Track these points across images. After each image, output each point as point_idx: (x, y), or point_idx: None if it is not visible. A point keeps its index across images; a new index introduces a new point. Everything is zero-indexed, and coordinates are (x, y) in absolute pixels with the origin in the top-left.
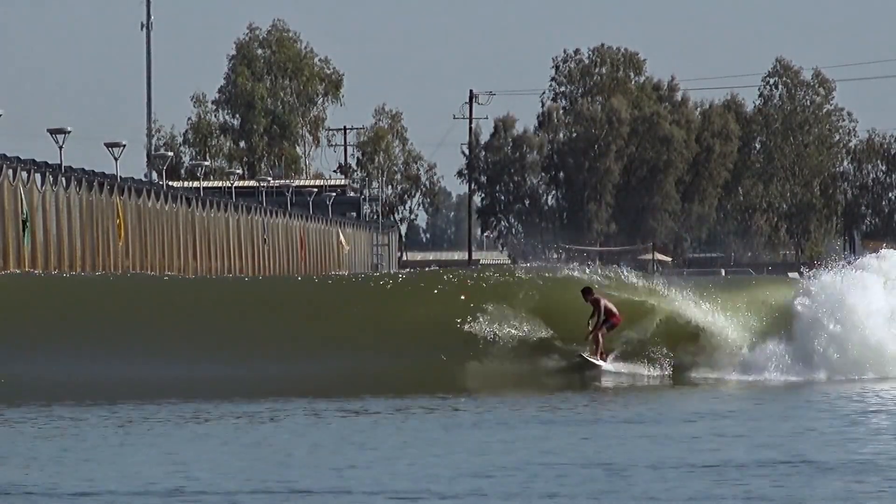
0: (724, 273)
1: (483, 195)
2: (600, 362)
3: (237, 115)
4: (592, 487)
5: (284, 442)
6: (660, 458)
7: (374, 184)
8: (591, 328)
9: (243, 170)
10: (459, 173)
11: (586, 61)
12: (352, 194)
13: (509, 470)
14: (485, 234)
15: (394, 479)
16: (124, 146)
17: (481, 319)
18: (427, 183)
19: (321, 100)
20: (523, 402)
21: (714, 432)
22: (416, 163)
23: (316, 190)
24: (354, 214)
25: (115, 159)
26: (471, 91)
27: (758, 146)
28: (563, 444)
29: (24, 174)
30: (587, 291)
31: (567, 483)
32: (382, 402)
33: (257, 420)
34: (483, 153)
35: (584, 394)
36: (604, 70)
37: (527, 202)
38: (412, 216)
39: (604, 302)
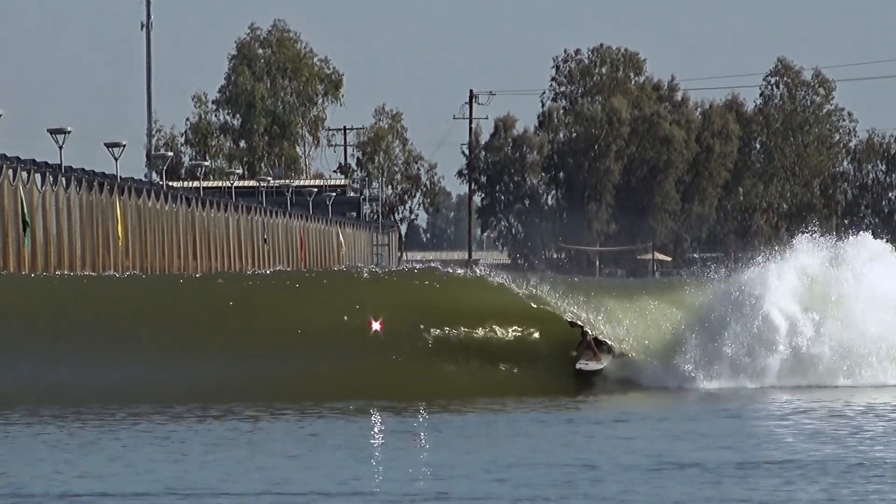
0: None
1: (483, 195)
2: (601, 364)
3: (237, 115)
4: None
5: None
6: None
7: (374, 184)
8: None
9: (243, 170)
10: (459, 173)
11: (586, 61)
12: (352, 194)
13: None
14: (484, 234)
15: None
16: (124, 146)
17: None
18: (427, 183)
19: (321, 100)
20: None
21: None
22: (417, 163)
23: (316, 190)
24: (354, 214)
25: (115, 159)
26: (471, 91)
27: (758, 146)
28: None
29: (24, 174)
30: (573, 323)
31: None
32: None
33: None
34: (483, 153)
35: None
36: (604, 70)
37: (527, 202)
38: (412, 216)
39: (589, 337)
